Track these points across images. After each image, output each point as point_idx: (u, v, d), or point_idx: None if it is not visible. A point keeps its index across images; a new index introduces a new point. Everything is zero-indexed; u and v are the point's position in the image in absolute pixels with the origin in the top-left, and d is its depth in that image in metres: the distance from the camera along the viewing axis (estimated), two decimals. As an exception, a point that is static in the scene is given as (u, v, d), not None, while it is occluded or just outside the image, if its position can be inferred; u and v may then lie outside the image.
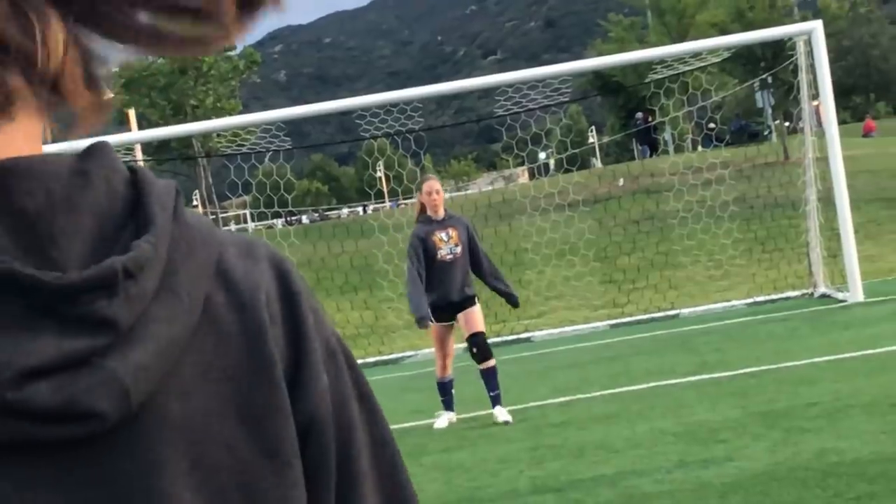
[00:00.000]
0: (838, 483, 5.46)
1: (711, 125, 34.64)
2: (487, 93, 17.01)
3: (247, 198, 26.74)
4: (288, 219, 46.02)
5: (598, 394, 9.71)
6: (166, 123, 25.59)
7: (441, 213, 8.73)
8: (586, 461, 7.00)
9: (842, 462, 5.88)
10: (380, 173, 35.55)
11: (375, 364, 15.10)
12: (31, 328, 0.57)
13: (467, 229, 8.79)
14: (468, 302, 8.68)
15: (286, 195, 17.88)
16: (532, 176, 43.78)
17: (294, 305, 0.70)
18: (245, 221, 33.73)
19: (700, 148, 31.36)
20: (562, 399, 9.64)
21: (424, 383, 10.89)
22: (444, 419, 8.95)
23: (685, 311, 15.92)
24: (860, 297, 13.76)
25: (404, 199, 33.59)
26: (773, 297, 15.80)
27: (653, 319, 15.80)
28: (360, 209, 26.45)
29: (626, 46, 44.01)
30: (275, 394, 0.65)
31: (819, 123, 14.60)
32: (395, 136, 16.40)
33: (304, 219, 38.09)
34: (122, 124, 32.90)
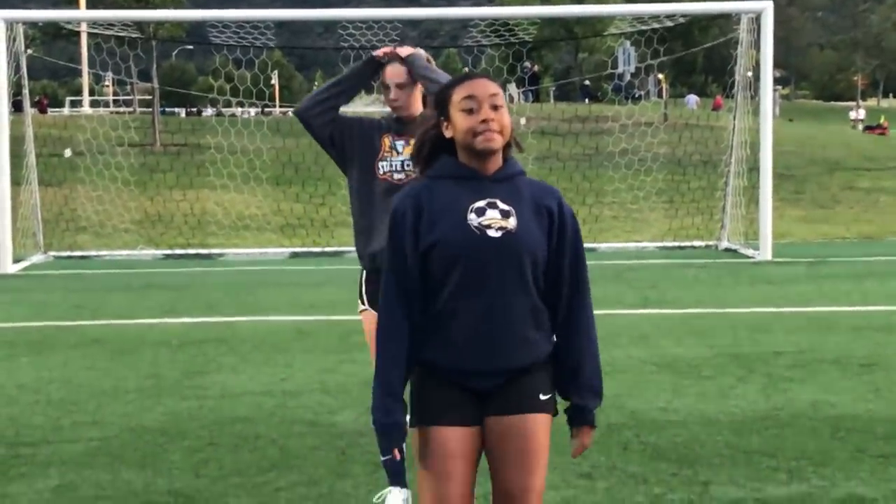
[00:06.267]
0: (853, 437, 5.64)
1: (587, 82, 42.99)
2: (370, 26, 16.39)
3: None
4: (189, 109, 49.09)
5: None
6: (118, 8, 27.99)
7: None
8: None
9: (842, 416, 6.09)
10: (273, 81, 40.69)
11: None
12: None
13: None
14: None
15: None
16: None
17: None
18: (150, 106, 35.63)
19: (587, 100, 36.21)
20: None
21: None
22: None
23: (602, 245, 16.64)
24: (769, 256, 14.40)
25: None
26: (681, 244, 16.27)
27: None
28: (252, 110, 29.39)
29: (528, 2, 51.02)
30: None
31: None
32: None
33: (208, 111, 39.72)
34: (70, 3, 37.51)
